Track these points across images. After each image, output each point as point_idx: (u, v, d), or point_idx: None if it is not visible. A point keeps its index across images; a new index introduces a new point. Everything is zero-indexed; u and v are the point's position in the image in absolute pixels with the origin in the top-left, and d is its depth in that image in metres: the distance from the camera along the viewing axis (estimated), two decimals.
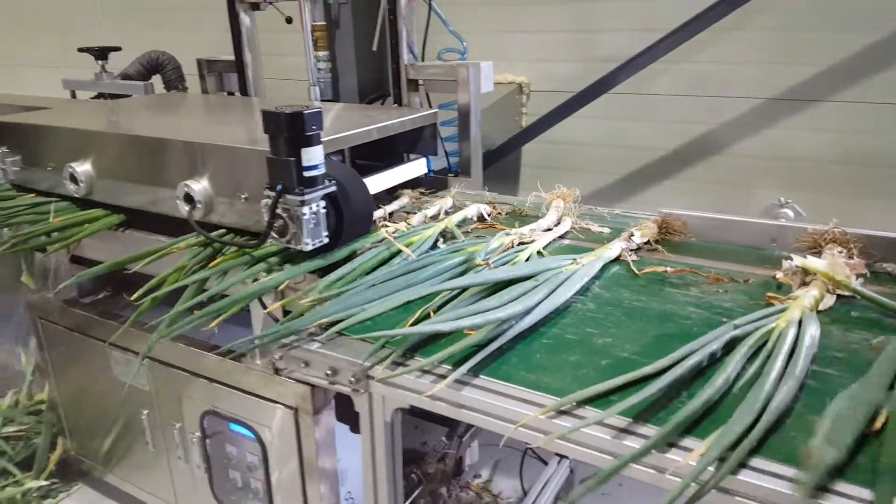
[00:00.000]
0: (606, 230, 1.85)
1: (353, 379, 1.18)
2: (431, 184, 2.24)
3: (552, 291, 1.41)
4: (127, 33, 4.47)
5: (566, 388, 1.12)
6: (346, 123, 1.93)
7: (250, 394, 1.81)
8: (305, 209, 1.51)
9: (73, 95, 3.11)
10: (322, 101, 2.72)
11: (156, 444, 2.16)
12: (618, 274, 1.60)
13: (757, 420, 0.97)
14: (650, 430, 1.00)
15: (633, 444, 0.99)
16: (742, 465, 0.92)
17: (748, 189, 2.87)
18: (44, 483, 2.51)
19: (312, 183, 1.51)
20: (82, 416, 2.42)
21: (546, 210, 1.92)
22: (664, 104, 2.94)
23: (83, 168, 1.99)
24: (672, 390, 1.07)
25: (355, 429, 1.72)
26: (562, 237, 1.83)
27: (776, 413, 0.98)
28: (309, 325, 1.39)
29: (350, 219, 1.63)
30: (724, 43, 2.70)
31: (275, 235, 1.57)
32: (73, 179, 2.00)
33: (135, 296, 1.65)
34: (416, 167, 2.17)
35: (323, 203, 1.56)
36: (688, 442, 0.97)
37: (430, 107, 2.44)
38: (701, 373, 1.12)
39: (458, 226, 1.86)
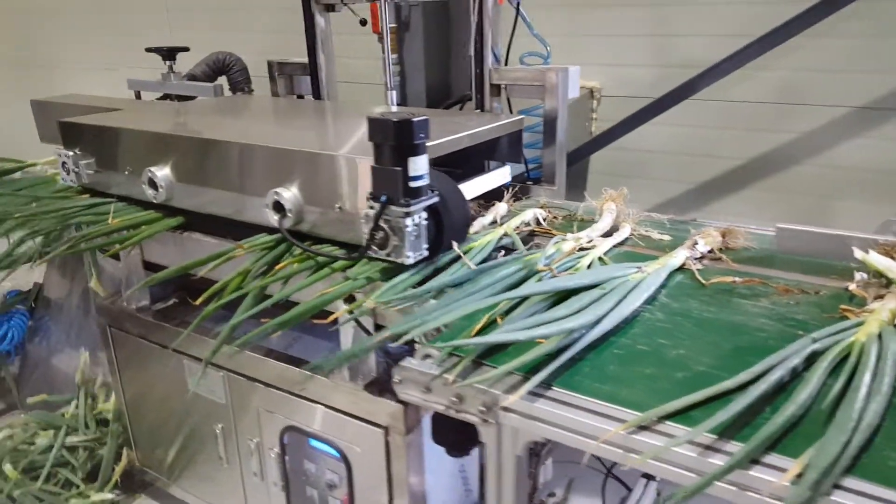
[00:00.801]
0: (667, 237, 1.79)
1: (482, 408, 1.09)
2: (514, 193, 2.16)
3: (621, 300, 1.35)
4: (181, 33, 4.47)
5: (644, 401, 1.07)
6: (435, 130, 1.85)
7: (337, 410, 1.74)
8: (409, 221, 1.43)
9: (138, 96, 3.07)
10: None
11: (229, 458, 2.10)
12: (683, 283, 1.54)
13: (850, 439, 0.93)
14: (735, 447, 0.96)
15: (720, 461, 0.94)
16: (835, 485, 0.88)
17: (831, 201, 2.74)
18: (108, 496, 2.45)
19: (417, 194, 1.43)
20: (150, 426, 2.36)
21: (599, 215, 1.86)
22: (743, 111, 2.82)
23: (163, 173, 1.93)
24: (755, 405, 1.03)
25: (453, 452, 1.64)
26: (621, 244, 1.76)
27: (868, 431, 0.94)
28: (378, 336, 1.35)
29: (450, 230, 1.55)
30: (811, 49, 2.58)
31: (374, 248, 1.50)
32: (153, 184, 1.94)
33: (199, 300, 1.61)
34: (499, 175, 2.08)
35: (425, 214, 1.48)
36: (771, 459, 0.94)
37: (511, 112, 2.36)
38: (782, 388, 1.08)
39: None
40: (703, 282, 1.51)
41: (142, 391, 2.32)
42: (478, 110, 2.23)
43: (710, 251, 1.67)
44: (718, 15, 2.79)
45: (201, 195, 1.89)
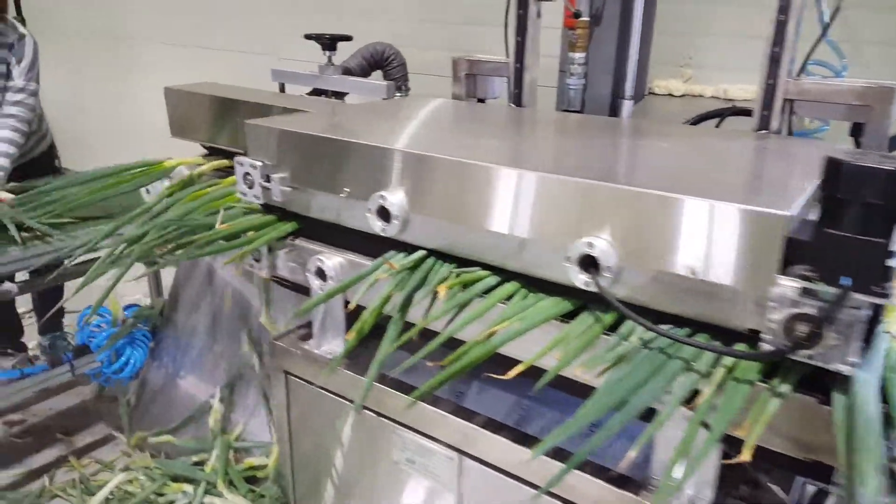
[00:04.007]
0: None
1: None
2: None
3: None
4: (288, 15, 4.04)
5: None
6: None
7: None
8: (864, 313, 0.99)
9: (282, 89, 2.65)
10: (564, 111, 2.26)
11: None
12: None
13: None
14: None
15: None
16: None
17: None
18: None
19: (888, 277, 0.98)
20: (321, 495, 1.94)
21: None
22: None
23: (397, 199, 1.50)
24: None
25: None
26: None
27: None
28: None
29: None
30: None
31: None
32: (383, 214, 1.51)
33: (349, 332, 1.46)
34: None
35: None
36: None
37: (791, 134, 1.91)
38: None
39: None
40: None
41: (319, 453, 1.90)
42: (762, 131, 1.77)
43: None
44: None
45: (451, 233, 1.46)
